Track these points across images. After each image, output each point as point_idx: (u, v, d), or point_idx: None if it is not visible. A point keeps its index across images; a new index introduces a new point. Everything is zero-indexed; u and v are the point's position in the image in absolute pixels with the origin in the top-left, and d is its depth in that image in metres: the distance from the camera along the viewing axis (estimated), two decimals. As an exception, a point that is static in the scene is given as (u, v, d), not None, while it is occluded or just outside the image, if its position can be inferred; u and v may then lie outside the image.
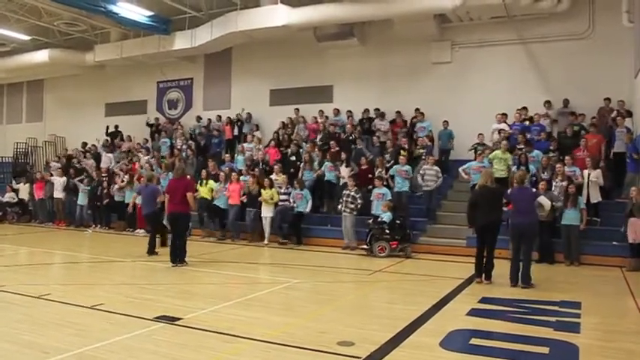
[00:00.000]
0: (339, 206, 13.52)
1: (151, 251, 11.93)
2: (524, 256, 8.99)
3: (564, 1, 15.01)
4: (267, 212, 14.38)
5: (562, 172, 12.19)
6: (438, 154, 15.59)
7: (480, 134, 15.00)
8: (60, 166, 20.21)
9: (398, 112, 16.96)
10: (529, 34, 16.06)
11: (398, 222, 12.51)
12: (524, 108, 15.24)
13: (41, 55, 21.98)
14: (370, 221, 12.76)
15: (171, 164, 16.35)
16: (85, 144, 21.87)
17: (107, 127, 22.21)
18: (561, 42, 15.62)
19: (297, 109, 18.65)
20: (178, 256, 10.70)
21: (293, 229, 14.32)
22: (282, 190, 14.58)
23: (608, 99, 14.42)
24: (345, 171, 14.79)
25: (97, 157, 20.35)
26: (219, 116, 20.08)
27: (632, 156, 12.23)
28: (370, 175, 14.27)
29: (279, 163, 15.88)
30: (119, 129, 22.01)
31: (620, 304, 8.08)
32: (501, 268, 9.24)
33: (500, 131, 14.66)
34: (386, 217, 12.44)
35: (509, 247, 9.99)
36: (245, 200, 14.80)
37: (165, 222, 12.56)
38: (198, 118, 20.78)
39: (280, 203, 14.43)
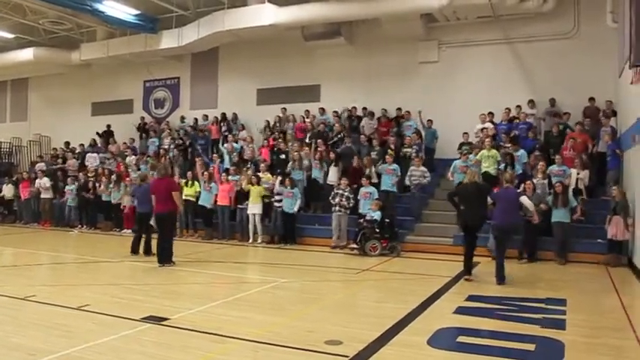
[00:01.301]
0: (333, 206, 13.51)
1: (135, 251, 11.87)
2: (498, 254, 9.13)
3: (550, 1, 15.15)
4: (253, 209, 14.36)
5: (542, 171, 12.29)
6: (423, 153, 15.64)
7: (465, 133, 15.10)
8: (45, 166, 20.06)
9: (384, 110, 17.05)
10: (515, 34, 16.18)
11: (387, 221, 12.54)
12: (518, 106, 15.35)
13: (26, 54, 21.73)
14: (361, 220, 12.78)
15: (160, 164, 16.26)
16: (67, 143, 21.72)
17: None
18: (547, 42, 15.76)
19: (285, 109, 18.59)
20: (165, 257, 10.63)
21: (286, 230, 14.24)
22: (276, 191, 14.50)
23: (592, 99, 14.58)
24: (333, 171, 14.76)
25: (83, 157, 20.22)
26: (206, 115, 20.01)
27: (615, 152, 12.38)
28: (361, 175, 14.25)
29: (265, 161, 15.86)
30: (111, 128, 21.83)
31: (605, 301, 8.16)
32: (487, 266, 9.30)
33: (482, 130, 14.80)
34: (376, 215, 12.47)
35: (487, 245, 10.12)
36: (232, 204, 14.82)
37: (152, 222, 12.49)
38: (182, 119, 20.71)
39: (276, 204, 14.33)
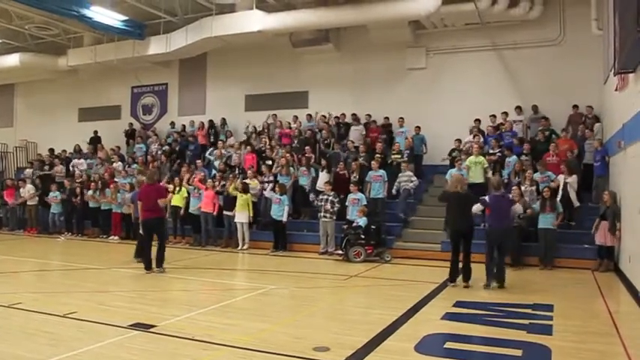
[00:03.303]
0: (319, 212, 13.53)
1: (139, 255, 11.65)
2: (500, 258, 9.24)
3: (536, 8, 15.35)
4: (241, 218, 14.31)
5: (530, 178, 12.41)
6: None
7: (457, 140, 15.16)
8: (32, 173, 19.92)
9: (368, 115, 17.11)
10: (502, 41, 16.34)
11: (373, 227, 12.55)
12: (504, 113, 15.43)
13: (12, 59, 21.47)
14: (345, 226, 12.80)
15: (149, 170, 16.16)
16: (52, 150, 21.58)
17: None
18: (533, 48, 15.93)
19: (275, 115, 18.57)
20: (154, 263, 10.58)
21: (276, 237, 14.16)
22: (266, 195, 14.53)
23: (576, 106, 14.75)
24: (323, 176, 14.74)
25: (68, 164, 20.08)
26: (193, 121, 19.95)
27: (604, 159, 12.49)
28: (347, 180, 14.25)
29: (252, 168, 15.82)
30: (97, 134, 21.70)
31: (591, 306, 8.22)
32: (475, 272, 9.34)
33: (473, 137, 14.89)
34: (361, 222, 12.48)
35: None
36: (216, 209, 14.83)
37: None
38: (172, 124, 20.63)
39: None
